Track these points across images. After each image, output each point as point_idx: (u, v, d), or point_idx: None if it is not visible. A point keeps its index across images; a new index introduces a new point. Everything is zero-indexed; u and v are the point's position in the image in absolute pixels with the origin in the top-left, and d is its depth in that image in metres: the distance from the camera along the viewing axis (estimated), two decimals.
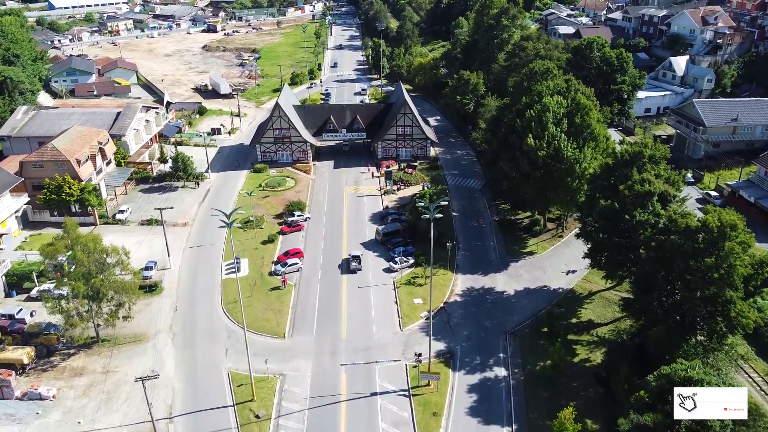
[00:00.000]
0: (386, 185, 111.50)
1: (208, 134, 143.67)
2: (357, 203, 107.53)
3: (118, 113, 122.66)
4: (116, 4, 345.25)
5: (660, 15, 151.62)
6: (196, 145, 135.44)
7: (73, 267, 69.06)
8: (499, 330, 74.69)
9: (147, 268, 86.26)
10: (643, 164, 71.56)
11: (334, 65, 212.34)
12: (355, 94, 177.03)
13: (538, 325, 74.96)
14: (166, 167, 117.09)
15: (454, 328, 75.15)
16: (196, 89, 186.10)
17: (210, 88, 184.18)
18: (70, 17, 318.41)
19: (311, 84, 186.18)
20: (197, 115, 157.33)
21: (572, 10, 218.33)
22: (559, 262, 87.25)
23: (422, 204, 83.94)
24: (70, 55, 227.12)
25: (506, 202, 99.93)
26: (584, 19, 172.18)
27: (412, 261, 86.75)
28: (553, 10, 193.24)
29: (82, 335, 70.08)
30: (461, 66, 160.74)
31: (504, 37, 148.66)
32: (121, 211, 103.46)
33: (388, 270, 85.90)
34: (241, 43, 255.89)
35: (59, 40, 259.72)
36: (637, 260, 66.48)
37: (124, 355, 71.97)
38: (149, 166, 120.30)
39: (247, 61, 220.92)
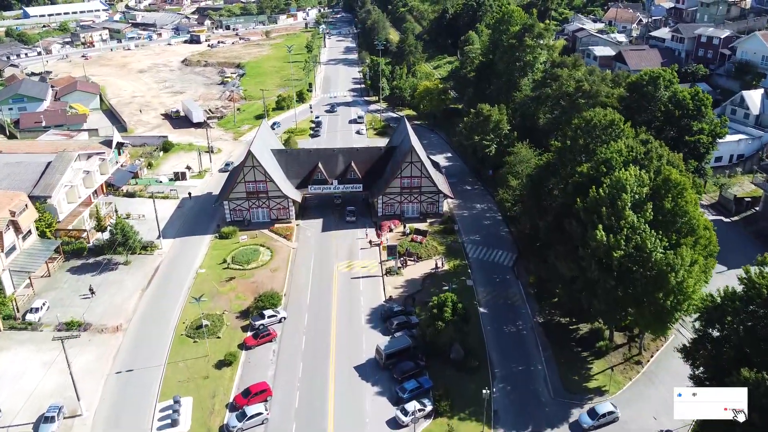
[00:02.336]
0: (389, 261, 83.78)
1: (170, 180, 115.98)
2: (351, 291, 79.80)
3: (48, 164, 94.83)
4: (95, 11, 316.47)
5: (722, 36, 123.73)
6: (152, 197, 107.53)
7: None
8: None
9: (47, 419, 58.64)
10: None
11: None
12: (351, 121, 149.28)
13: None
14: (105, 235, 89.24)
15: None
16: (166, 115, 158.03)
17: (182, 114, 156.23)
18: (44, 26, 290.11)
19: (311, 108, 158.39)
20: (161, 153, 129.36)
21: (594, 21, 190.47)
22: (644, 411, 59.27)
23: (442, 322, 57.10)
24: (31, 73, 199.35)
25: (559, 308, 71.93)
26: (619, 37, 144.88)
27: (429, 407, 58.94)
28: (581, 25, 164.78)
29: None
30: (475, 92, 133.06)
31: (528, 59, 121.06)
32: (34, 309, 75.66)
33: (396, 426, 57.95)
34: (225, 57, 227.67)
35: (26, 53, 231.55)
36: None
37: None
38: (85, 233, 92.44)
39: (230, 79, 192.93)
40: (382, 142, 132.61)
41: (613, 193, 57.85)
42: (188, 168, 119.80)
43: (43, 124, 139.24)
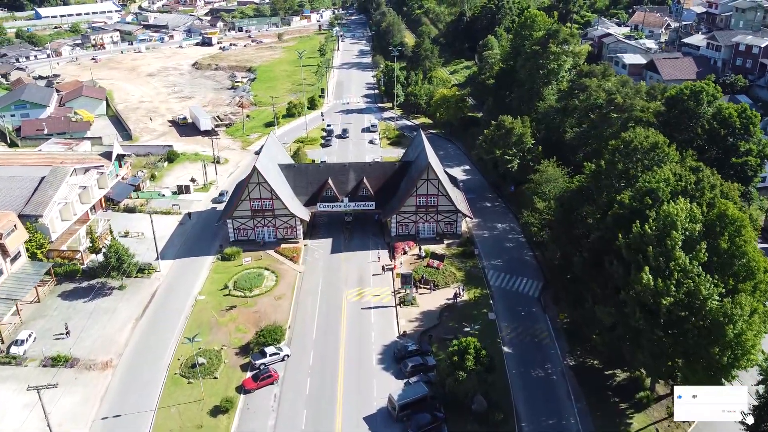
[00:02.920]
0: (403, 291, 76.73)
1: (174, 193, 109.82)
2: (361, 324, 72.86)
3: (42, 179, 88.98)
4: (107, 13, 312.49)
5: (762, 45, 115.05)
6: (153, 213, 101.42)
7: None
8: None
9: None
10: None
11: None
12: (363, 130, 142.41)
13: None
14: (100, 257, 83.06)
15: None
16: (173, 122, 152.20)
17: (189, 121, 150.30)
18: (55, 27, 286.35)
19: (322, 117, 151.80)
20: (165, 163, 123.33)
21: (619, 24, 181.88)
22: None
23: (463, 372, 50.29)
24: (38, 77, 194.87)
25: (595, 354, 64.28)
26: (648, 43, 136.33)
27: None
28: (606, 30, 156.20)
29: None
30: (495, 101, 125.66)
31: (552, 67, 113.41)
32: (19, 341, 69.55)
33: None
34: (236, 60, 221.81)
35: (35, 56, 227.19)
36: None
37: None
38: (79, 254, 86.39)
39: (240, 84, 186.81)
40: (396, 152, 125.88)
41: (661, 229, 50.41)
42: (192, 181, 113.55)
43: (45, 131, 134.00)
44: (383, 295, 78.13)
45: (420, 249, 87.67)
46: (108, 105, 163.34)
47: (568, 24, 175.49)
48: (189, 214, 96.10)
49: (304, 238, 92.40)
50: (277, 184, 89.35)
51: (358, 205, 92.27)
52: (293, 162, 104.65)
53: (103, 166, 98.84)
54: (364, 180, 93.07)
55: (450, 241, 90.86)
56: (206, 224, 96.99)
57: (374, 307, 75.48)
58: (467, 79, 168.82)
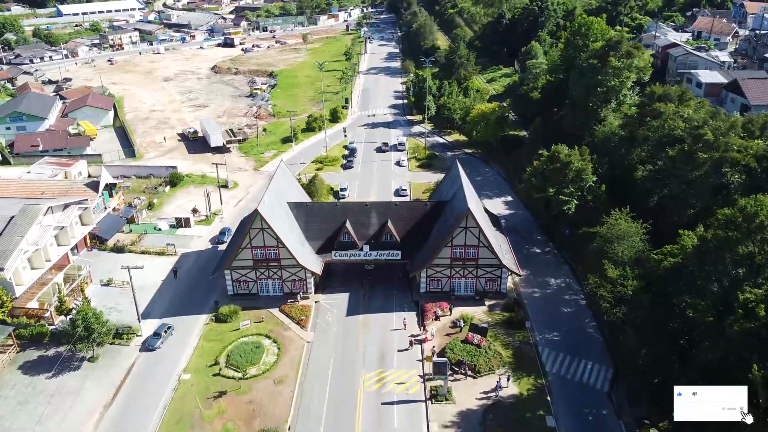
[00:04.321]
0: (435, 379, 59.88)
1: (171, 227, 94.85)
2: (380, 428, 56.43)
3: (11, 219, 74.50)
4: (129, 11, 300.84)
5: None
6: (144, 253, 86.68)
7: None
8: None
9: None
10: None
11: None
12: (389, 148, 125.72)
13: None
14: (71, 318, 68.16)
15: None
16: (183, 136, 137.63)
17: (200, 135, 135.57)
18: (76, 26, 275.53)
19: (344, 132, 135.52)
20: (167, 188, 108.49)
21: (676, 29, 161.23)
22: None
23: None
24: (48, 81, 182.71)
25: None
26: (722, 55, 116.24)
27: None
28: (669, 38, 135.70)
29: None
30: (543, 122, 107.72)
31: (613, 84, 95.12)
32: None
33: None
34: (257, 64, 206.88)
35: (50, 56, 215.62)
36: None
37: None
38: (48, 312, 71.72)
39: (259, 91, 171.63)
40: (426, 177, 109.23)
41: None
42: (194, 212, 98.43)
43: (41, 147, 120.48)
44: (410, 382, 61.54)
45: (451, 311, 70.94)
46: (116, 114, 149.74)
47: (618, 28, 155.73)
48: (175, 271, 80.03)
49: (315, 292, 76.42)
50: (283, 228, 73.44)
51: (381, 255, 75.74)
52: (305, 195, 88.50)
53: (87, 200, 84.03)
54: (389, 224, 76.59)
55: (492, 302, 73.85)
56: (204, 269, 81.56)
57: (398, 403, 58.93)
58: (507, 90, 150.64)
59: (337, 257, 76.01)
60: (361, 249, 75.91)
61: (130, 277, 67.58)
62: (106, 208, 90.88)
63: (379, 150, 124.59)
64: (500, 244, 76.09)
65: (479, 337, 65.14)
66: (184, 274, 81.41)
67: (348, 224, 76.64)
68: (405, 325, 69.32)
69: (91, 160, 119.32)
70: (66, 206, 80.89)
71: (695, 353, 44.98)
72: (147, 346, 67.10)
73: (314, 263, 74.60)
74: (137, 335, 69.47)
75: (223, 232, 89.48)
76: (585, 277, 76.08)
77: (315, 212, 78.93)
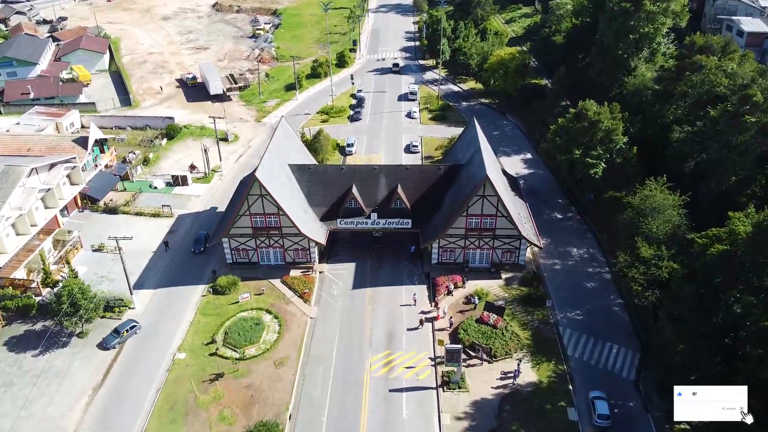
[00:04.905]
0: (447, 368, 55.16)
1: (168, 185, 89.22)
2: (388, 417, 52.10)
3: None
4: None
5: None
6: (139, 215, 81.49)
7: None
8: None
9: None
10: None
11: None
12: (400, 98, 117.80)
13: None
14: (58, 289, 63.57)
15: None
16: (181, 82, 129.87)
17: (199, 81, 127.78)
18: None
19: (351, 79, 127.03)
20: (163, 141, 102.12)
21: None
22: None
23: None
24: (42, 21, 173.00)
25: None
26: (762, 1, 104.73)
27: None
28: None
29: None
30: (568, 70, 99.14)
31: (647, 31, 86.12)
32: None
33: None
34: (261, 1, 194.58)
35: None
36: None
37: None
38: (34, 283, 67.25)
39: (262, 32, 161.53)
40: (439, 131, 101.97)
41: None
42: (192, 168, 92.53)
43: (32, 95, 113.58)
44: (420, 366, 57.00)
45: (464, 285, 65.81)
46: (111, 57, 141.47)
47: None
48: (166, 243, 74.40)
49: (320, 261, 71.28)
50: (284, 194, 67.57)
51: (390, 223, 69.91)
52: (309, 155, 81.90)
53: (75, 158, 78.16)
54: (399, 189, 70.41)
55: (509, 274, 68.45)
56: (197, 236, 76.31)
57: (407, 390, 54.57)
58: (527, 32, 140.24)
59: (343, 225, 70.33)
60: (369, 217, 70.08)
61: (119, 248, 62.46)
62: (97, 165, 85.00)
63: (391, 71, 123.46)
64: (519, 211, 69.89)
65: (495, 316, 60.08)
66: (180, 239, 76.39)
67: (354, 189, 70.58)
68: (415, 301, 64.29)
69: (84, 108, 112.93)
70: (52, 166, 75.16)
71: (744, 364, 39.60)
72: (103, 345, 60.06)
73: (317, 232, 69.05)
74: (130, 308, 65.12)
75: (198, 241, 74.08)
76: (610, 247, 70.44)
77: (319, 176, 72.64)
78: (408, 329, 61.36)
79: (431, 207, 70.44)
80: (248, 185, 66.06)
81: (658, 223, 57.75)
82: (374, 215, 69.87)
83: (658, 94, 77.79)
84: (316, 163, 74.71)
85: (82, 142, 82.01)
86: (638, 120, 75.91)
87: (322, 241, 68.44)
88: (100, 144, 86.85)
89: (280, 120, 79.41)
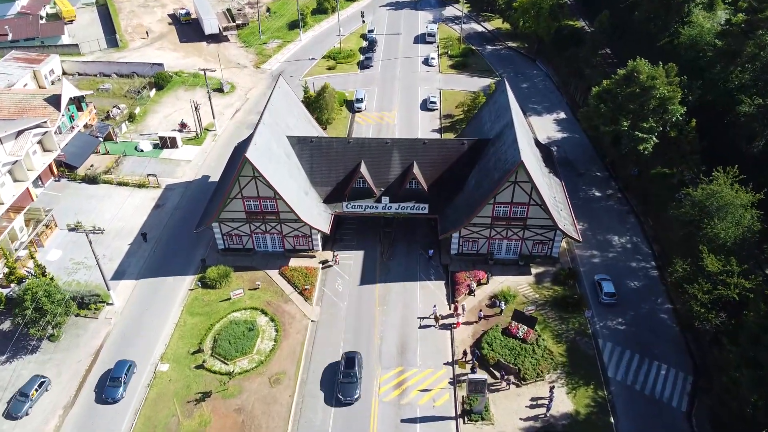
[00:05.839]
0: (468, 397, 47.19)
1: (155, 147, 79.50)
2: None
3: None
4: None
5: None
6: (121, 184, 72.42)
7: None
8: None
9: None
10: None
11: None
12: (416, 40, 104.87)
13: None
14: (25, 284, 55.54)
15: None
16: (174, 18, 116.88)
17: (193, 17, 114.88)
18: None
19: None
20: (152, 92, 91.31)
21: None
22: None
23: None
24: None
25: None
26: None
27: None
28: None
29: None
30: (612, 14, 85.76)
31: None
32: None
33: None
34: None
35: None
36: None
37: None
38: (0, 274, 59.25)
39: None
40: (460, 81, 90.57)
41: None
42: (182, 127, 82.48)
43: (10, 37, 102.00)
44: (437, 390, 49.10)
45: (488, 280, 57.02)
46: None
47: None
48: (144, 234, 64.77)
49: (323, 248, 62.46)
50: (282, 175, 57.89)
51: (404, 208, 60.36)
52: (311, 122, 71.10)
53: (45, 121, 68.21)
54: (414, 168, 60.38)
55: (540, 269, 59.35)
56: (192, 209, 67.41)
57: (422, 420, 46.92)
58: None
59: (350, 209, 60.87)
60: (379, 200, 60.47)
61: (90, 242, 53.73)
62: (73, 127, 75.00)
63: (406, 4, 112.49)
64: (554, 194, 59.84)
65: (525, 328, 51.51)
66: (167, 216, 67.61)
67: (363, 167, 60.67)
68: (436, 318, 54.28)
69: (66, 51, 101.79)
70: (20, 133, 65.42)
71: None
72: (9, 413, 47.62)
73: (321, 218, 59.77)
74: (108, 303, 57.33)
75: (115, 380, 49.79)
76: (656, 235, 60.93)
77: (322, 150, 62.37)
78: (421, 326, 53.17)
79: (452, 189, 60.52)
80: (239, 164, 56.17)
81: (725, 227, 47.68)
82: (386, 199, 60.18)
83: (720, 52, 65.28)
84: (319, 136, 64.14)
85: (55, 101, 71.63)
86: (697, 85, 63.90)
87: (326, 229, 59.22)
88: (77, 101, 76.41)
89: (278, 80, 68.14)
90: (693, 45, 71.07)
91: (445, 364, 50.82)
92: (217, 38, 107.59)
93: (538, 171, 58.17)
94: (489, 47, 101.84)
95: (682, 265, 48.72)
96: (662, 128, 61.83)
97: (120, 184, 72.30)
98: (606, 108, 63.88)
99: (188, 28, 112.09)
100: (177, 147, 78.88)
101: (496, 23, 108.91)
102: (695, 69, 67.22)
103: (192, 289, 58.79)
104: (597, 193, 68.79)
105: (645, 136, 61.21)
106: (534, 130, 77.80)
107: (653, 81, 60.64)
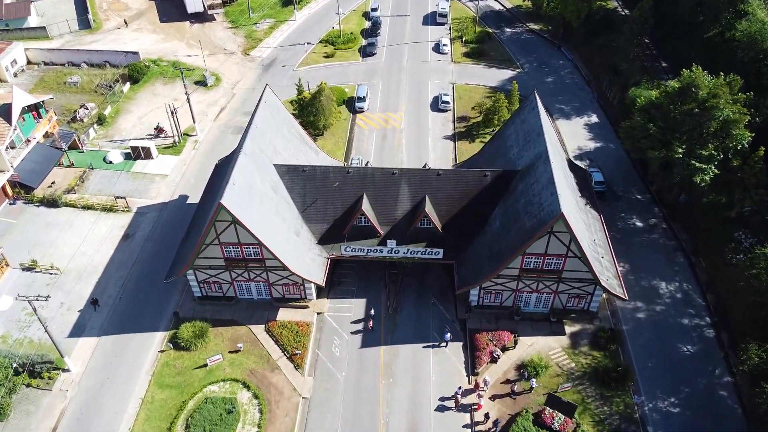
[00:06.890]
0: None
1: (126, 158, 68.73)
2: None
3: None
4: None
5: None
6: (86, 207, 62.08)
7: None
8: None
9: None
10: None
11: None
12: (426, 20, 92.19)
13: None
14: None
15: None
16: None
17: None
18: None
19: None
20: (125, 86, 79.76)
21: None
22: None
23: None
24: None
25: None
26: None
27: None
28: None
29: None
30: (656, 6, 73.22)
31: None
32: None
33: None
34: None
35: None
36: None
37: None
38: None
39: None
40: (476, 73, 79.10)
41: None
42: (159, 132, 71.50)
43: None
44: None
45: (516, 343, 47.40)
46: None
47: None
48: (94, 301, 53.72)
49: (318, 296, 52.68)
50: (266, 215, 47.60)
51: (413, 252, 50.17)
52: (304, 138, 59.67)
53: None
54: (427, 204, 49.85)
55: (576, 327, 49.57)
56: (167, 239, 57.39)
57: None
58: None
59: (349, 252, 50.69)
60: (384, 241, 50.26)
61: (35, 310, 43.90)
62: (29, 140, 64.09)
63: None
64: (594, 236, 49.47)
65: (562, 417, 42.11)
66: (136, 248, 57.62)
67: (365, 202, 50.25)
68: (457, 402, 44.89)
69: (32, 35, 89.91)
70: None
71: None
72: None
73: (313, 264, 49.73)
74: (63, 370, 48.08)
75: None
76: (710, 281, 50.99)
77: (316, 181, 51.70)
78: (438, 426, 43.82)
79: (471, 229, 50.17)
80: (214, 210, 45.62)
81: None
82: (392, 243, 49.90)
83: None
84: (312, 165, 53.02)
85: (5, 113, 60.55)
86: (766, 104, 52.47)
87: (320, 280, 49.23)
88: (34, 110, 65.16)
89: (264, 90, 56.67)
90: (752, 44, 59.22)
91: None
92: (201, 17, 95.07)
93: (577, 214, 47.63)
94: (508, 30, 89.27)
95: (756, 350, 38.69)
96: (722, 155, 50.77)
97: (85, 207, 61.95)
98: (655, 128, 52.64)
99: (170, 5, 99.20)
100: (152, 158, 68.13)
101: (517, 0, 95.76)
102: (755, 74, 55.74)
103: (162, 351, 49.32)
104: (638, 223, 58.27)
105: (703, 166, 50.24)
106: (563, 140, 66.71)
107: (716, 100, 49.25)
